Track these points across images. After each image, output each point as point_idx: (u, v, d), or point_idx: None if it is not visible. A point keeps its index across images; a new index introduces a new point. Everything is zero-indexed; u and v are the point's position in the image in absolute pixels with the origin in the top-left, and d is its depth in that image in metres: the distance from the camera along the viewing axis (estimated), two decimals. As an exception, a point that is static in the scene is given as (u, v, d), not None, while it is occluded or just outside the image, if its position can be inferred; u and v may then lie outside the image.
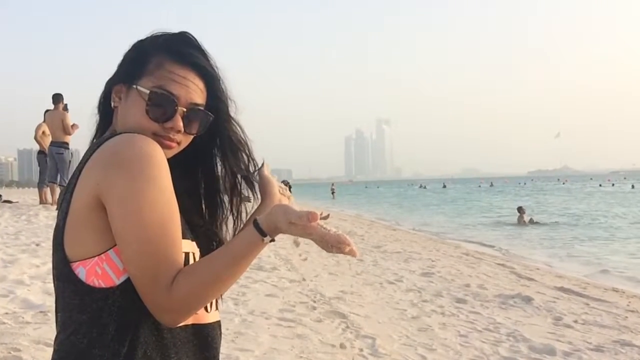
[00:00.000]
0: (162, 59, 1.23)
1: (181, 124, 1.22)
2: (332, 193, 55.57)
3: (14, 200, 14.35)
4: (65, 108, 12.47)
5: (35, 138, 12.93)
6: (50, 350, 1.19)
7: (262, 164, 1.46)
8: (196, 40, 1.28)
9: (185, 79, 1.22)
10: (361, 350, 3.99)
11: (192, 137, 1.27)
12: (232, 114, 1.32)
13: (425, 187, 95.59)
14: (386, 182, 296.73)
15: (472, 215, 26.22)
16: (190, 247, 1.23)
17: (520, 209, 20.48)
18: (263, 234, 1.12)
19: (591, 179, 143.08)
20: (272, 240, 1.14)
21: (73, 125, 12.24)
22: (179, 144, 1.25)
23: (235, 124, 1.33)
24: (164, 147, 1.21)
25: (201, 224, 1.36)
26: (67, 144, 12.37)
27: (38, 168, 13.21)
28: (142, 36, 1.30)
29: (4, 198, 14.16)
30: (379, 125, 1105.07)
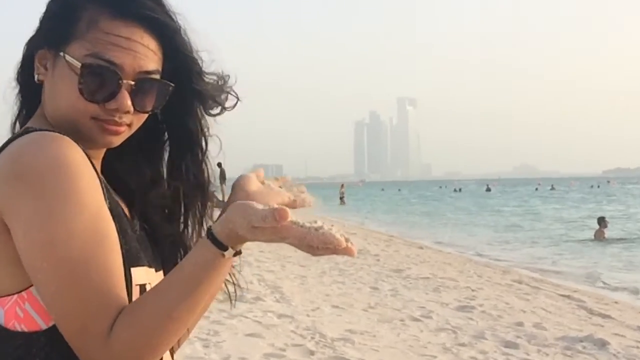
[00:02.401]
0: (95, 14, 1.18)
1: (129, 102, 1.19)
2: (341, 198, 55.13)
3: None
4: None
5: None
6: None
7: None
8: None
9: (130, 40, 1.18)
10: (375, 410, 4.00)
11: (146, 115, 1.25)
12: (203, 72, 1.28)
13: (459, 190, 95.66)
14: (410, 182, 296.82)
15: (524, 230, 26.22)
16: (146, 276, 1.22)
17: (601, 221, 20.47)
18: (221, 246, 1.07)
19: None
20: (238, 253, 1.10)
21: None
22: (129, 126, 1.22)
23: (209, 81, 1.29)
24: (109, 133, 1.20)
25: (170, 232, 1.37)
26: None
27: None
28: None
29: None
30: (402, 107, 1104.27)
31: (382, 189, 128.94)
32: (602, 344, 6.14)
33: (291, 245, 1.03)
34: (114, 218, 1.17)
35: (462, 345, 5.92)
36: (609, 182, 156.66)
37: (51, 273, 1.09)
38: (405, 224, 29.79)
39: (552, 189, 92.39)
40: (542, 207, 45.18)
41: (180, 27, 1.25)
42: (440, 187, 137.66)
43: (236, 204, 1.08)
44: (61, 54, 1.18)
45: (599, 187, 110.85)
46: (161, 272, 1.31)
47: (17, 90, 1.30)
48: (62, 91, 1.19)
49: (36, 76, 1.23)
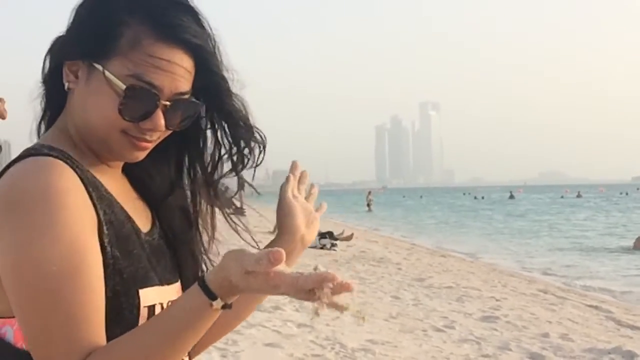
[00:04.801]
0: (138, 32, 1.18)
1: (163, 122, 1.21)
2: (368, 205, 55.11)
3: None
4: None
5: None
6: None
7: (288, 177, 1.40)
8: None
9: (171, 63, 1.19)
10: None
11: (171, 131, 1.26)
12: (231, 90, 1.29)
13: (482, 198, 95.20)
14: (433, 189, 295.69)
15: (552, 238, 26.07)
16: (156, 296, 1.23)
17: None
18: (211, 295, 1.06)
19: None
20: (227, 306, 1.08)
21: (1, 100, 12.41)
22: (155, 141, 1.25)
23: (236, 102, 1.30)
24: (137, 149, 1.22)
25: (188, 237, 1.38)
26: (-5, 133, 12.54)
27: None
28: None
29: None
30: (424, 111, 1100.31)
31: (404, 196, 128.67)
32: (631, 357, 6.09)
33: (286, 295, 1.00)
34: (118, 239, 1.19)
35: (486, 356, 5.91)
36: (638, 189, 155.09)
37: (20, 302, 1.11)
38: (426, 231, 29.73)
39: (579, 196, 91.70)
40: (570, 214, 44.83)
41: (216, 48, 1.26)
42: (464, 193, 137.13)
43: (231, 250, 1.07)
44: (100, 68, 1.19)
45: (627, 194, 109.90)
46: (175, 284, 1.32)
47: (42, 92, 1.31)
48: (96, 105, 1.20)
49: (66, 84, 1.23)
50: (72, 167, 1.16)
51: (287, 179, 1.40)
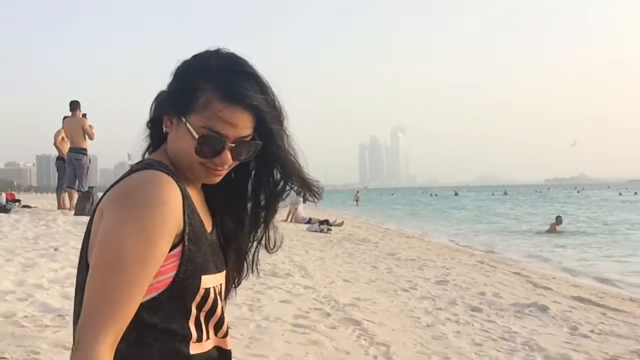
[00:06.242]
0: (211, 97, 1.20)
1: (229, 158, 1.23)
2: (356, 200, 54.54)
3: (32, 206, 14.53)
4: (84, 115, 12.63)
5: (55, 144, 13.10)
6: (68, 354, 1.21)
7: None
8: (249, 66, 1.24)
9: (235, 118, 1.20)
10: (375, 357, 3.98)
11: (239, 162, 1.28)
12: (281, 141, 1.29)
13: (435, 195, 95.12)
14: (401, 189, 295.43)
15: (485, 224, 26.06)
16: (212, 280, 1.25)
17: (558, 218, 20.36)
18: None
19: (608, 187, 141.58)
20: None
21: (90, 126, 12.41)
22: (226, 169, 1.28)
23: (285, 150, 1.30)
24: (212, 176, 1.26)
25: (240, 239, 1.40)
26: (85, 149, 12.51)
27: (56, 173, 13.38)
28: (190, 54, 1.27)
29: (22, 203, 14.34)
30: (394, 133, 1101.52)
31: (380, 194, 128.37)
32: (544, 309, 6.08)
33: None
34: (195, 237, 1.21)
35: (440, 309, 5.89)
36: (549, 189, 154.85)
37: (93, 264, 1.14)
38: (396, 219, 29.68)
39: (505, 194, 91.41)
40: (499, 208, 44.81)
41: (271, 105, 1.26)
42: (422, 192, 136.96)
43: None
44: (183, 119, 1.22)
45: (541, 192, 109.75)
46: (223, 272, 1.33)
47: (147, 133, 1.36)
48: (181, 145, 1.24)
49: (164, 128, 1.28)
50: (176, 182, 1.19)
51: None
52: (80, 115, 12.44)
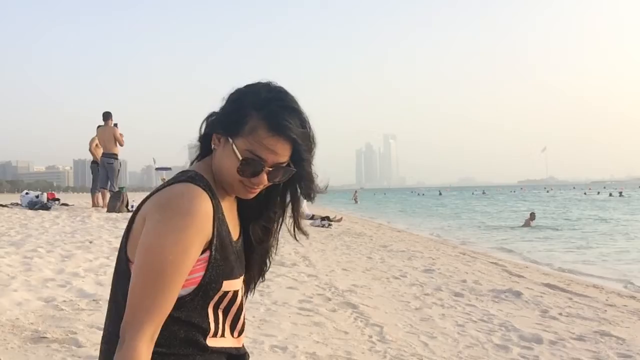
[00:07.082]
0: (257, 125, 1.21)
1: (266, 179, 1.24)
2: (355, 199, 54.44)
3: (70, 204, 14.57)
4: (116, 125, 12.68)
5: (90, 150, 13.15)
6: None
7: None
8: (294, 101, 1.25)
9: (276, 146, 1.21)
10: (370, 336, 3.98)
11: (272, 183, 1.29)
12: (309, 167, 1.29)
13: (423, 195, 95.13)
14: (392, 189, 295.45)
15: (465, 220, 25.99)
16: (233, 285, 1.26)
17: (532, 214, 20.33)
18: None
19: (573, 187, 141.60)
20: None
21: (120, 134, 12.50)
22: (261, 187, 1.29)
23: (310, 174, 1.31)
24: (248, 192, 1.26)
25: (265, 245, 1.41)
26: (117, 155, 12.57)
27: (91, 176, 13.42)
28: (244, 83, 1.28)
29: (61, 202, 14.37)
30: (387, 140, 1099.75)
31: (374, 194, 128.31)
32: (518, 294, 6.06)
33: None
34: (221, 247, 1.22)
35: (427, 294, 5.88)
36: (522, 189, 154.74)
37: (137, 266, 1.14)
38: (386, 216, 29.64)
39: (484, 193, 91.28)
40: (478, 205, 44.74)
41: (307, 138, 1.25)
42: (411, 192, 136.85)
43: None
44: (230, 140, 1.22)
45: (514, 192, 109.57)
46: (242, 277, 1.33)
47: (198, 146, 1.35)
48: (226, 162, 1.24)
49: (212, 145, 1.29)
50: (210, 197, 1.19)
51: None
52: (112, 125, 12.48)
